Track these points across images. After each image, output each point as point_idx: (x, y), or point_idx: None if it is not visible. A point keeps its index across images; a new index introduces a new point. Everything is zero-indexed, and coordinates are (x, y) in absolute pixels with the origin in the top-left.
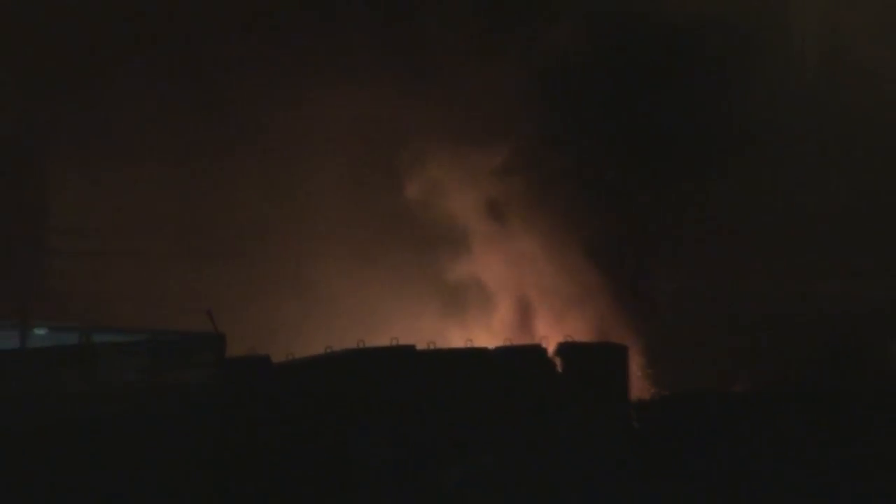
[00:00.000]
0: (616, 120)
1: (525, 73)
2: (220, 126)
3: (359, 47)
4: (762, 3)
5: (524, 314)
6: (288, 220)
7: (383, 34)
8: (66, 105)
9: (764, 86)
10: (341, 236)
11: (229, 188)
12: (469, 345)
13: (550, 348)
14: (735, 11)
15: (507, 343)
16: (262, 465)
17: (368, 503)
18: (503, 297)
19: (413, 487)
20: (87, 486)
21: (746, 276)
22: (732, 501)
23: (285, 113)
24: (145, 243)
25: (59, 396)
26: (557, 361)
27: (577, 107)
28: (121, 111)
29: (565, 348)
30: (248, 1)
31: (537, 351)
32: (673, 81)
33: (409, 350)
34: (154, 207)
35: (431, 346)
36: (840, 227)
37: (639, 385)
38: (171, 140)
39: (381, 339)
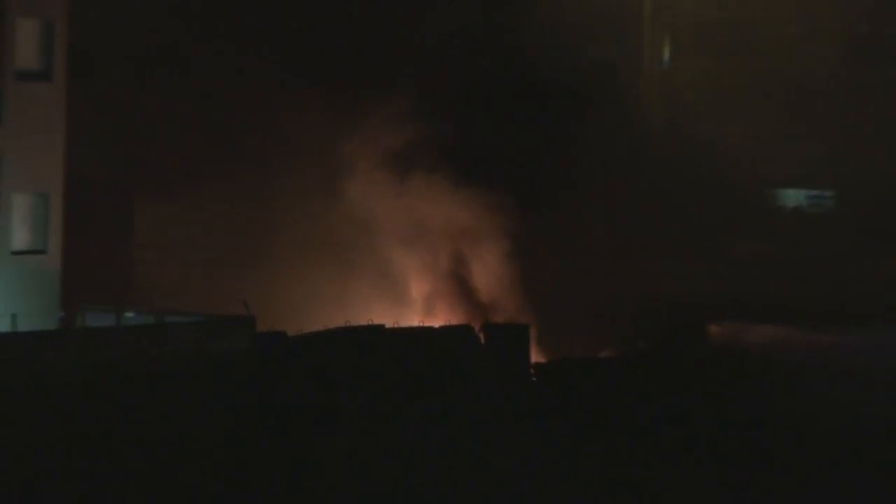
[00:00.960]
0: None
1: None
2: (243, 173)
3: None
4: (618, 84)
5: (448, 300)
6: (289, 239)
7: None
8: (145, 157)
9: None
10: (327, 248)
11: (251, 217)
12: (420, 324)
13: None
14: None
15: (447, 323)
16: (279, 404)
17: (355, 432)
18: (427, 287)
19: (383, 421)
20: (156, 420)
21: (611, 277)
22: (599, 425)
23: (284, 160)
24: (200, 254)
25: (139, 357)
26: (481, 336)
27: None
28: (181, 160)
29: (487, 327)
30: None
31: (468, 329)
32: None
33: (380, 328)
34: (203, 229)
35: (396, 325)
36: (671, 245)
37: (536, 351)
38: (213, 183)
39: (361, 320)
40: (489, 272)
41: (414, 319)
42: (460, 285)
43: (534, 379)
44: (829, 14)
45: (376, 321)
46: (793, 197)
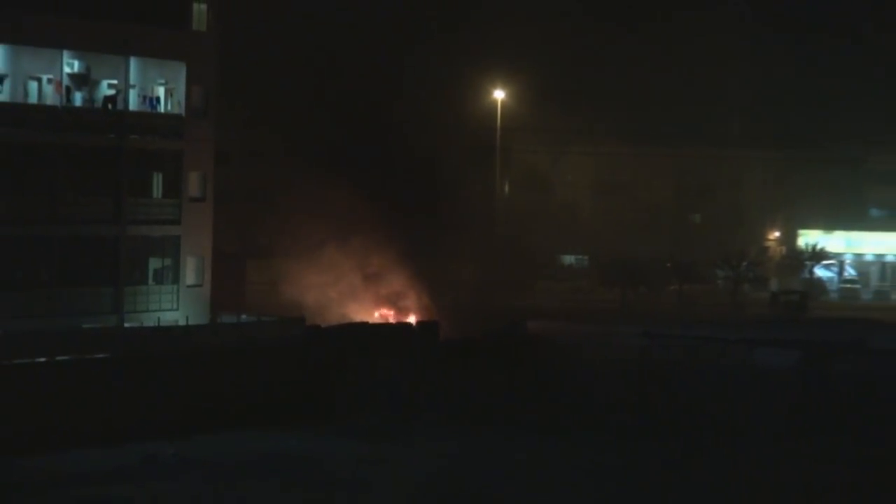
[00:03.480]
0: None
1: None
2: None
3: None
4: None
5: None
6: (320, 278)
7: None
8: (251, 239)
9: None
10: (341, 284)
11: (303, 269)
12: (385, 321)
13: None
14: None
15: (399, 321)
16: (317, 361)
17: (355, 374)
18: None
19: (368, 367)
20: (256, 365)
21: (478, 299)
22: (472, 369)
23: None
24: (277, 286)
25: (248, 337)
26: (416, 328)
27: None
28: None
29: (419, 323)
30: None
31: (410, 324)
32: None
33: (366, 323)
34: (279, 274)
35: (375, 321)
36: (509, 283)
37: (443, 335)
38: (282, 252)
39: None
40: (418, 297)
41: (381, 319)
42: (403, 304)
43: (441, 350)
44: (587, 168)
45: (364, 319)
46: (568, 259)
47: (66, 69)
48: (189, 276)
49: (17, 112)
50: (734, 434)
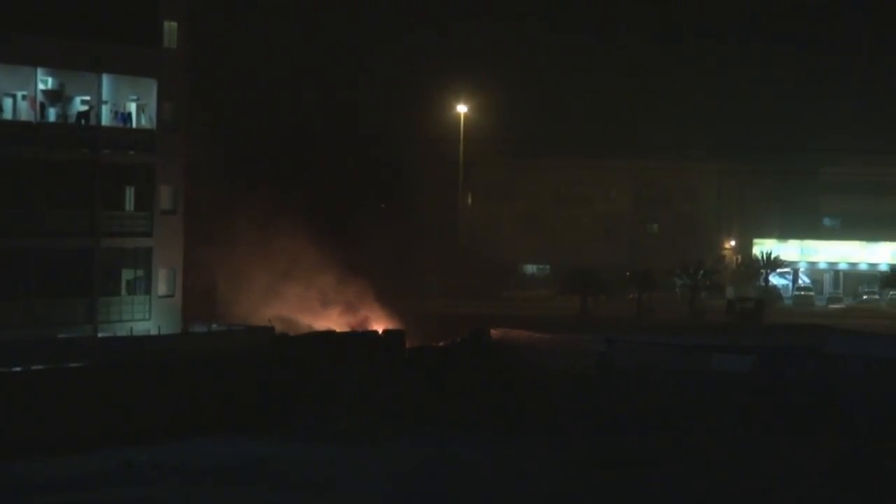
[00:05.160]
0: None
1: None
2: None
3: None
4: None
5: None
6: (291, 289)
7: None
8: (221, 253)
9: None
10: (310, 296)
11: (272, 284)
12: (351, 330)
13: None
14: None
15: (365, 330)
16: (286, 365)
17: (322, 377)
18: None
19: (335, 372)
20: (228, 368)
21: (443, 307)
22: (436, 372)
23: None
24: (247, 298)
25: (218, 345)
26: (382, 337)
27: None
28: (235, 256)
29: (385, 332)
30: None
31: (377, 333)
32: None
33: (333, 332)
34: (247, 288)
35: (340, 330)
36: (473, 292)
37: (408, 343)
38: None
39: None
40: (384, 307)
41: (347, 328)
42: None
43: (407, 355)
44: (548, 179)
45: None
46: (529, 268)
47: (41, 86)
48: (161, 286)
49: None
50: (690, 435)
